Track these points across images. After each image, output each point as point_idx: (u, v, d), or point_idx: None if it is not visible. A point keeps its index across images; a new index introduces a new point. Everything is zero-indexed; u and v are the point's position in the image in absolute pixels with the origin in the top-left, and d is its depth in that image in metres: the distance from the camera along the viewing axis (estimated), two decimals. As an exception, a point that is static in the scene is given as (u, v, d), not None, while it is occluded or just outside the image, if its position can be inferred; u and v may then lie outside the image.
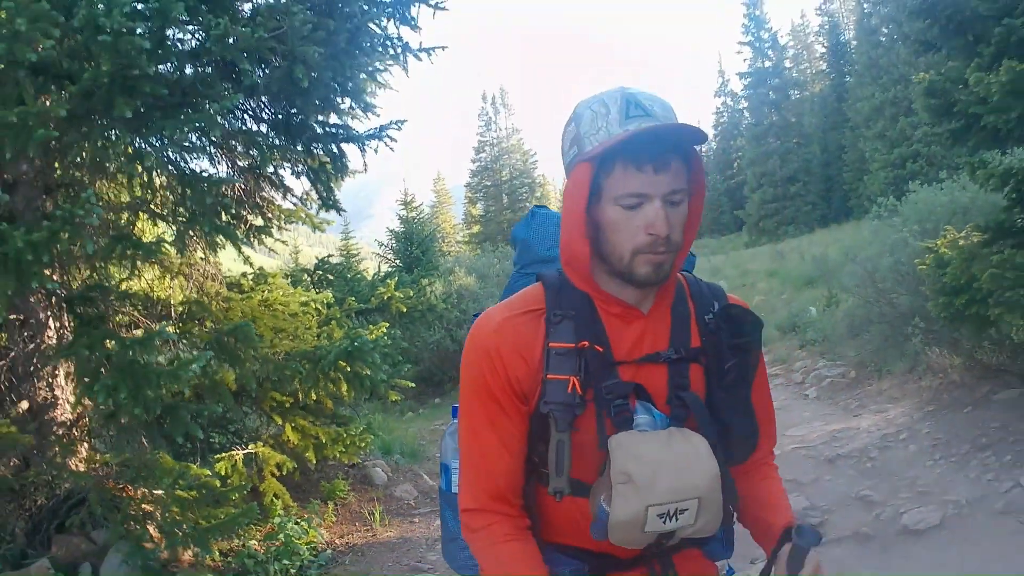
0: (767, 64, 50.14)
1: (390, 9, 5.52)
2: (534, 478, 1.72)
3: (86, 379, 4.46)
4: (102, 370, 4.24)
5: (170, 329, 4.48)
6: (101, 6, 3.69)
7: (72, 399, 5.78)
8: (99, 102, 3.78)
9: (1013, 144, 7.32)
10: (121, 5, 3.69)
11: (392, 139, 5.45)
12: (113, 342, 4.30)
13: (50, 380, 5.72)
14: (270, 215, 6.12)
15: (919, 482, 6.64)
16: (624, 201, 1.58)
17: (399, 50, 5.54)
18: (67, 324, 5.55)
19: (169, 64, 4.02)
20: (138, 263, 4.56)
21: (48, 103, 3.75)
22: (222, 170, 5.52)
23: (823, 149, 48.06)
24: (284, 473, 6.41)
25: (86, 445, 5.91)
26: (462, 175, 59.89)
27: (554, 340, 1.63)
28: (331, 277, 7.33)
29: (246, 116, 5.02)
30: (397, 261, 18.15)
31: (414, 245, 17.50)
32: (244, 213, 5.72)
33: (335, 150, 5.39)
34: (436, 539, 6.56)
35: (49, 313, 5.37)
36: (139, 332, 4.68)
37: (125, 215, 4.96)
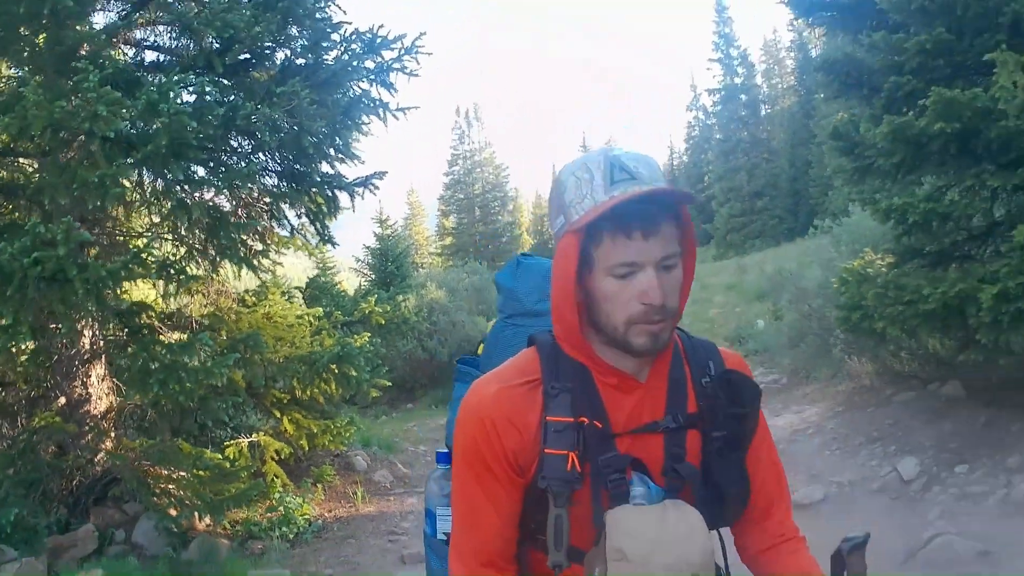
0: (737, 80, 51.26)
1: (372, 76, 6.87)
2: (528, 543, 1.73)
3: (134, 376, 5.78)
4: (152, 366, 5.54)
5: (206, 335, 5.81)
6: (157, 94, 5.02)
7: (104, 396, 7.08)
8: (158, 165, 5.12)
9: (899, 182, 8.72)
10: (174, 94, 5.03)
11: (376, 186, 6.81)
12: (160, 347, 5.62)
13: (84, 380, 7.01)
14: (269, 241, 7.45)
15: (814, 468, 8.03)
16: (616, 271, 1.58)
17: (381, 111, 6.89)
18: (98, 332, 6.87)
19: (206, 131, 5.34)
20: (179, 287, 5.89)
21: (116, 167, 5.07)
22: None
23: (791, 164, 48.96)
24: (282, 458, 7.75)
25: (113, 434, 7.20)
26: (436, 188, 60.90)
27: (552, 414, 1.62)
28: (319, 294, 8.64)
29: (264, 170, 6.34)
30: (373, 276, 19.43)
31: (389, 261, 18.77)
32: (246, 239, 7.03)
33: (329, 194, 6.73)
34: (408, 512, 7.93)
35: (84, 323, 6.67)
36: (182, 337, 5.98)
37: (167, 248, 6.28)
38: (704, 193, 57.14)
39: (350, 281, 18.82)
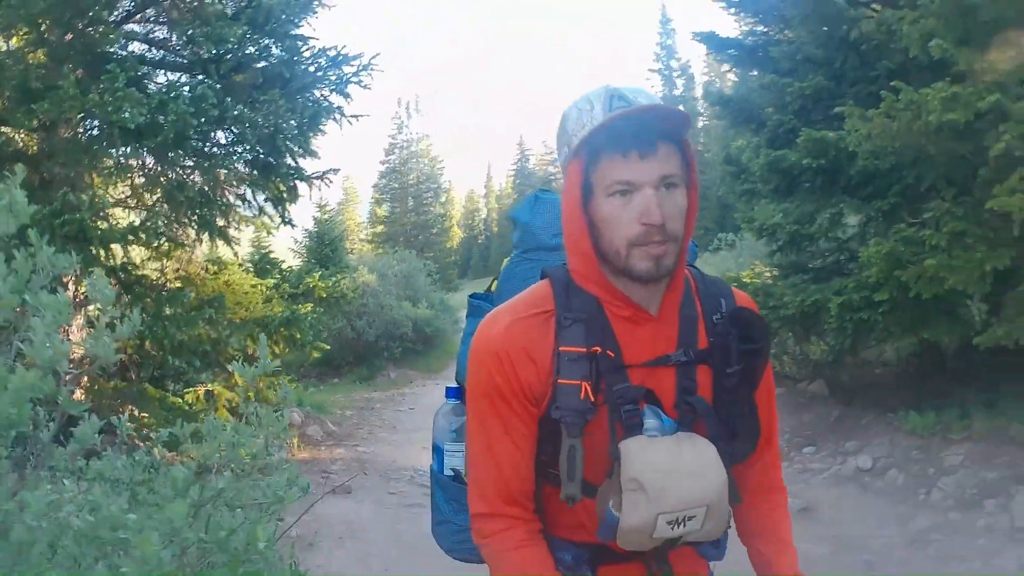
0: (676, 92, 52.56)
1: (334, 86, 8.24)
2: (543, 479, 1.73)
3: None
4: (143, 316, 6.84)
5: (189, 291, 7.14)
6: (167, 95, 6.35)
7: (82, 343, 8.32)
8: (163, 151, 6.45)
9: (776, 204, 10.32)
10: (177, 95, 6.36)
11: (331, 180, 8.22)
12: (149, 299, 6.93)
13: (66, 329, 8.24)
14: (231, 219, 8.77)
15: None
16: (613, 190, 1.59)
17: (338, 115, 8.27)
18: (81, 286, 8.13)
19: (201, 127, 6.66)
20: (169, 251, 7.24)
21: (130, 150, 6.39)
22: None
23: (721, 178, 50.35)
24: (232, 406, 9.07)
25: (86, 379, 8.44)
26: (371, 175, 61.61)
27: (565, 344, 1.64)
28: (269, 267, 9.96)
29: (239, 159, 7.67)
30: (310, 257, 20.62)
31: (325, 244, 20.00)
32: (218, 216, 8.33)
33: (292, 184, 8.08)
34: (336, 459, 9.32)
35: (69, 278, 7.92)
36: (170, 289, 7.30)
37: (159, 220, 7.59)
38: None
39: (289, 261, 19.95)
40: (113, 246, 7.15)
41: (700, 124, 53.54)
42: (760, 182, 9.71)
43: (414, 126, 60.38)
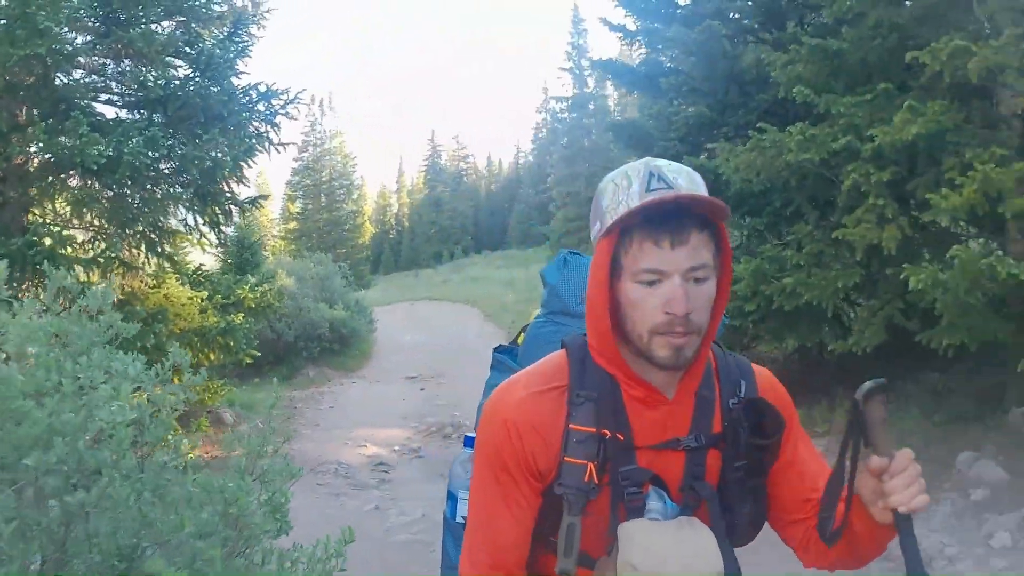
0: (587, 90, 53.33)
1: (264, 119, 9.22)
2: (539, 544, 1.74)
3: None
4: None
5: (136, 305, 8.06)
6: (123, 136, 7.27)
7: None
8: (120, 184, 7.38)
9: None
10: (136, 140, 7.29)
11: (261, 205, 9.19)
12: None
13: None
14: (175, 242, 9.69)
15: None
16: (641, 277, 1.58)
17: (267, 144, 9.25)
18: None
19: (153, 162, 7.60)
20: (124, 273, 8.15)
21: (91, 186, 7.31)
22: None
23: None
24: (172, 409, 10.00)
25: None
26: (284, 172, 61.60)
27: (575, 423, 1.65)
28: (203, 280, 10.87)
29: (184, 191, 8.62)
30: (229, 260, 21.28)
31: (245, 248, 20.66)
32: (161, 239, 9.25)
33: (227, 209, 9.05)
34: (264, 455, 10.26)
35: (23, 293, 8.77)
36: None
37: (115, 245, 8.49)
38: (546, 194, 59.06)
39: (209, 265, 20.64)
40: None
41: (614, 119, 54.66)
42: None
43: (327, 123, 60.48)
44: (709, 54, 10.43)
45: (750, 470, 1.73)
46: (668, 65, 11.76)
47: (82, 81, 7.96)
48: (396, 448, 10.93)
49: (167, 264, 8.51)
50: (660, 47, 11.95)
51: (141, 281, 9.30)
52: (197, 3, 8.70)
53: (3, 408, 2.25)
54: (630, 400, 1.68)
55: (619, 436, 1.65)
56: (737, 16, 10.94)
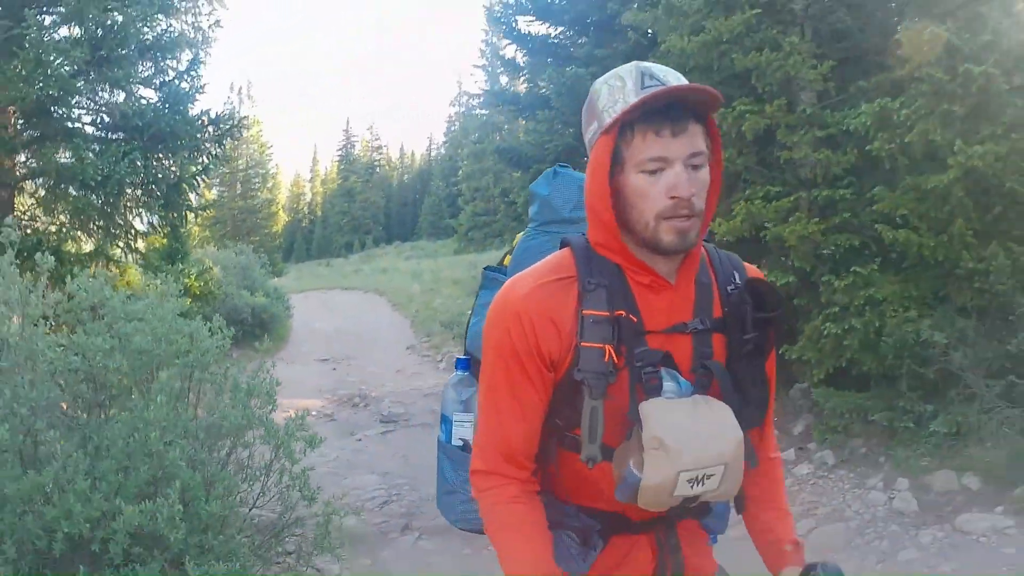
0: (499, 88, 54.81)
1: (214, 139, 11.45)
2: (555, 440, 1.83)
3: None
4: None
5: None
6: (114, 158, 9.47)
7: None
8: (109, 195, 9.59)
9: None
10: (123, 161, 9.49)
11: (209, 212, 11.41)
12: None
13: None
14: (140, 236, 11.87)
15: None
16: (646, 167, 1.68)
17: (217, 162, 11.51)
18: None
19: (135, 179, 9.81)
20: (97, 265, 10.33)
21: (86, 196, 9.50)
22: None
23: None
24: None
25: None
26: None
27: (588, 308, 1.72)
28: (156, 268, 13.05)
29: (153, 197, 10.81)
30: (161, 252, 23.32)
31: (176, 240, 22.63)
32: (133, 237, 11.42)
33: (184, 213, 11.26)
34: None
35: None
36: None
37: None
38: (456, 187, 59.50)
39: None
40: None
41: (521, 121, 56.54)
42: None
43: (245, 111, 61.39)
44: (576, 92, 12.92)
45: (755, 348, 1.82)
46: (545, 96, 14.14)
47: (74, 109, 10.10)
48: (313, 413, 13.07)
49: (138, 258, 10.67)
50: (540, 83, 14.39)
51: (110, 271, 11.44)
52: (164, 41, 10.95)
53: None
54: (637, 287, 1.77)
55: (632, 318, 1.72)
56: (603, 61, 13.44)
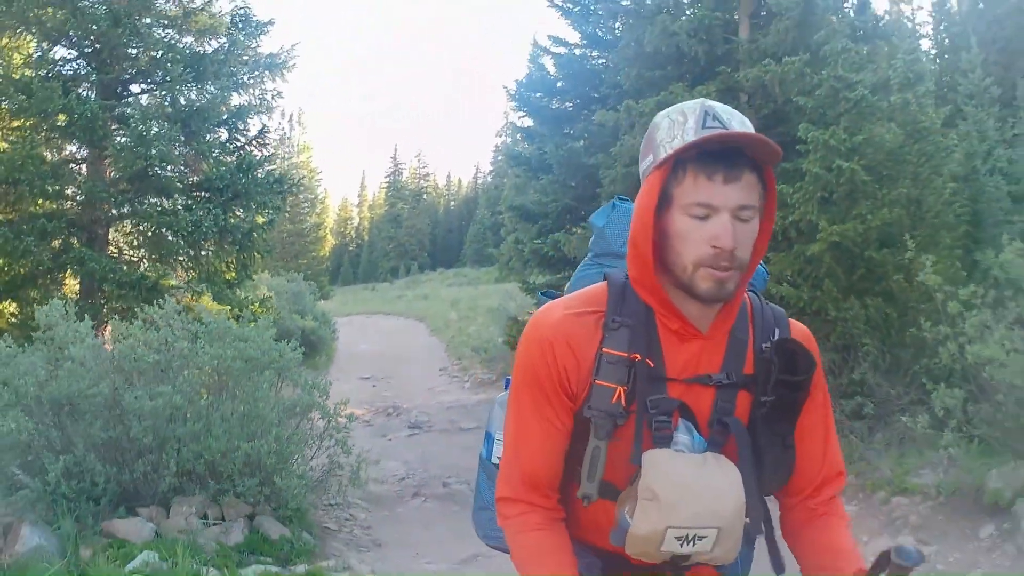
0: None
1: (279, 195, 14.53)
2: (569, 476, 1.84)
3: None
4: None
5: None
6: (199, 215, 12.60)
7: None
8: (198, 241, 12.71)
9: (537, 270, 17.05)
10: (210, 216, 12.61)
11: (269, 251, 14.60)
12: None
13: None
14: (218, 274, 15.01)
15: (480, 416, 16.17)
16: (692, 211, 1.67)
17: (279, 214, 14.61)
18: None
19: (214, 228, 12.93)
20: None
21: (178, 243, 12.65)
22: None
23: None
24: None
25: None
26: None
27: (608, 346, 1.74)
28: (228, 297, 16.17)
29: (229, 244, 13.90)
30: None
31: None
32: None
33: (254, 256, 14.35)
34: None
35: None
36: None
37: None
38: (501, 216, 62.31)
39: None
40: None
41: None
42: (530, 257, 16.51)
43: (296, 138, 65.16)
44: (572, 162, 15.87)
45: (778, 409, 1.79)
46: (550, 162, 16.83)
47: (172, 173, 13.25)
48: (354, 414, 16.20)
49: (223, 295, 13.77)
50: (545, 150, 17.23)
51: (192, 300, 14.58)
52: (238, 112, 14.16)
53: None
54: (665, 331, 1.77)
55: (649, 363, 1.73)
56: (586, 137, 16.32)
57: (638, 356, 1.73)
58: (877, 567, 1.59)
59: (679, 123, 1.72)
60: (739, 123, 1.69)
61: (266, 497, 6.87)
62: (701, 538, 1.65)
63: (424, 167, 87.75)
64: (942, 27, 34.75)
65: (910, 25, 33.70)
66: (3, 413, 6.19)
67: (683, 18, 12.60)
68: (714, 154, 1.66)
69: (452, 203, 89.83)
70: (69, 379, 6.39)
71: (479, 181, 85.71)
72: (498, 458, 2.11)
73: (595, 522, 1.84)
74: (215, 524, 6.69)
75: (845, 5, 13.06)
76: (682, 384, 1.76)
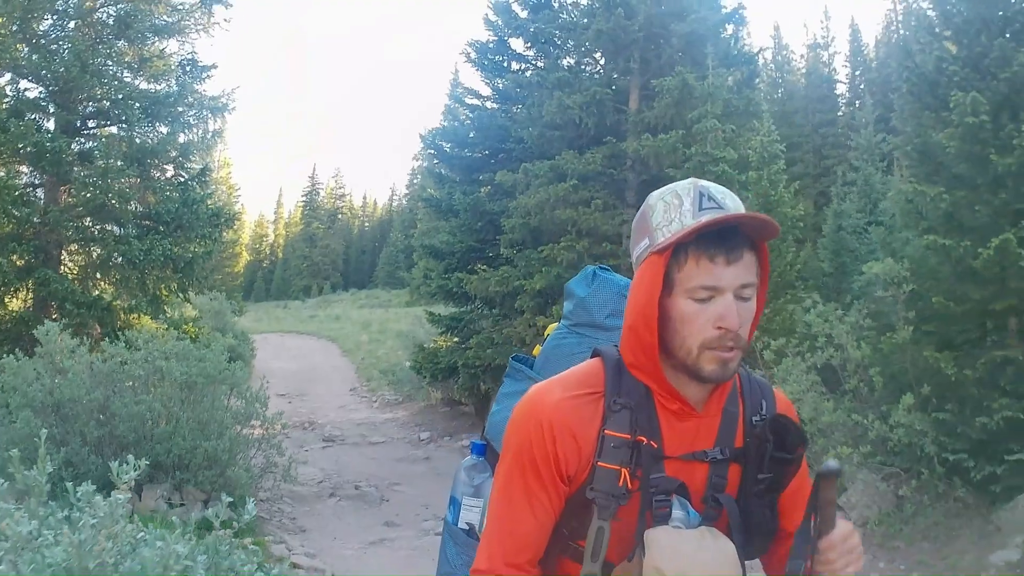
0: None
1: (216, 227, 16.27)
2: (558, 549, 1.84)
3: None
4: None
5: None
6: (154, 246, 14.32)
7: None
8: (146, 268, 14.43)
9: (446, 304, 19.10)
10: (159, 245, 14.34)
11: (208, 280, 16.29)
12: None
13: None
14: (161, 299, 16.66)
15: (393, 432, 18.09)
16: (696, 294, 1.69)
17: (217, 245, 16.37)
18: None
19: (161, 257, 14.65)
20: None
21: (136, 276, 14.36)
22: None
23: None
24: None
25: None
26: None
27: (611, 429, 1.75)
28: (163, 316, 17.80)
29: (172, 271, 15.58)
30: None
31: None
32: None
33: (194, 282, 16.05)
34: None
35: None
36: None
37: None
38: (413, 240, 62.47)
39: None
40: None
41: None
42: (437, 290, 18.52)
43: (216, 154, 65.89)
44: (478, 208, 17.87)
45: (771, 484, 1.82)
46: (457, 208, 18.66)
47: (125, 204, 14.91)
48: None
49: (158, 314, 15.39)
50: (454, 196, 19.16)
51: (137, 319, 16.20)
52: (184, 152, 15.94)
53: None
54: (663, 412, 1.79)
55: (652, 444, 1.75)
56: (491, 184, 18.37)
57: (643, 439, 1.75)
58: (812, 494, 1.72)
59: (675, 206, 1.74)
60: (732, 202, 1.73)
61: (220, 486, 8.72)
62: None
63: (341, 187, 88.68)
64: (858, 72, 37.33)
65: (826, 71, 36.17)
66: (16, 413, 7.97)
67: (576, 95, 14.76)
68: (712, 236, 1.68)
69: (367, 224, 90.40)
70: (70, 387, 8.19)
71: (394, 204, 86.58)
72: (467, 524, 2.22)
73: None
74: (179, 506, 8.53)
75: (728, 81, 14.87)
76: (678, 461, 1.79)
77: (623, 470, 1.72)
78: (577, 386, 1.82)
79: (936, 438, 8.57)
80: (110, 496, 7.60)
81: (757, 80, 20.28)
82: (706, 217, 1.67)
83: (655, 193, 1.83)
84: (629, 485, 1.72)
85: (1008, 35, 9.29)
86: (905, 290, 9.19)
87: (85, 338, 10.16)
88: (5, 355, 8.75)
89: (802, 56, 39.71)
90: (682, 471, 1.78)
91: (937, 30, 10.56)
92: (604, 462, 1.73)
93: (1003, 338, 8.99)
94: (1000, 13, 9.42)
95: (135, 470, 3.70)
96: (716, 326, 1.68)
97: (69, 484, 3.70)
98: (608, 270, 2.36)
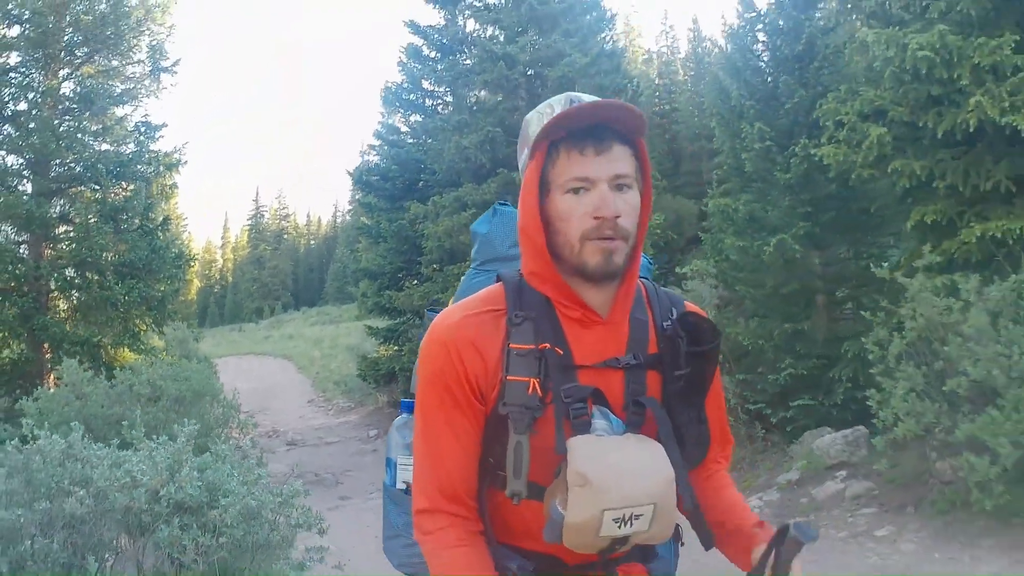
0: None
1: (180, 267, 18.96)
2: (488, 480, 1.82)
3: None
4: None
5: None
6: (131, 289, 17.03)
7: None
8: (122, 309, 17.12)
9: (380, 318, 21.95)
10: (133, 289, 17.05)
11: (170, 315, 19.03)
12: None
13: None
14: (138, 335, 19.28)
15: (336, 431, 20.85)
16: (569, 186, 1.72)
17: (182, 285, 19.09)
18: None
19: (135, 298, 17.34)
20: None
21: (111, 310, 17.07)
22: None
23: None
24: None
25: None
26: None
27: (515, 341, 1.74)
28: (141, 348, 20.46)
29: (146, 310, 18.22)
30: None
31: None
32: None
33: (165, 318, 18.72)
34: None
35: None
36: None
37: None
38: (357, 255, 63.68)
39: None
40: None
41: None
42: (373, 307, 21.32)
43: (164, 181, 67.11)
44: (402, 234, 20.31)
45: (691, 383, 1.83)
46: (385, 234, 21.18)
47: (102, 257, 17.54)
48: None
49: (137, 347, 18.02)
50: (381, 224, 21.50)
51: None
52: (149, 206, 18.64)
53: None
54: (567, 321, 1.79)
55: (558, 351, 1.74)
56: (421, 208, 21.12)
57: (546, 346, 1.74)
58: (778, 538, 1.73)
59: (547, 114, 1.84)
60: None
61: (209, 475, 11.53)
62: (638, 517, 1.65)
63: (284, 208, 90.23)
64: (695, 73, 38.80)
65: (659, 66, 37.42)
66: (57, 427, 10.74)
67: (472, 135, 17.34)
68: (583, 132, 1.72)
69: (312, 242, 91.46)
70: (93, 406, 10.94)
71: (338, 220, 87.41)
72: (404, 483, 2.24)
73: (524, 524, 1.82)
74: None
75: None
76: (592, 370, 1.78)
77: (532, 380, 1.71)
78: (478, 305, 1.84)
79: (741, 393, 11.71)
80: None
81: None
82: (572, 107, 1.76)
83: (532, 111, 1.97)
84: (540, 394, 1.71)
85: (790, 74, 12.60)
86: (712, 283, 12.37)
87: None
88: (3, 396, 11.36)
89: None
90: (597, 380, 1.77)
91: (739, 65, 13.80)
92: (513, 375, 1.72)
93: (795, 314, 12.10)
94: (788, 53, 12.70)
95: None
96: (593, 216, 1.72)
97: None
98: (507, 204, 2.41)
